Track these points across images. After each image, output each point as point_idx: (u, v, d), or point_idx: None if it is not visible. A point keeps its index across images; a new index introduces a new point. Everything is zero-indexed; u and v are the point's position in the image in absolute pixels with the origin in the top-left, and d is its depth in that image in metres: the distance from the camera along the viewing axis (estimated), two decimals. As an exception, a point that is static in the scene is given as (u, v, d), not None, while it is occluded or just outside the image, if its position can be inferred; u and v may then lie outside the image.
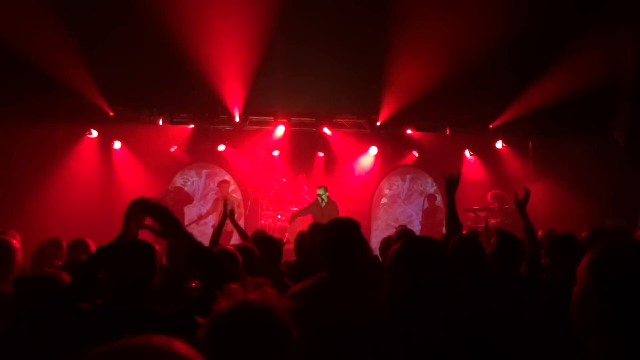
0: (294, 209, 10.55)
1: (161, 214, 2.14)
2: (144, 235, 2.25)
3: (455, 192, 3.24)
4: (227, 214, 4.72)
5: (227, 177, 10.92)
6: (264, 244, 3.61)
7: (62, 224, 7.66)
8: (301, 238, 4.40)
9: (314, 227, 4.30)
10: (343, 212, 10.90)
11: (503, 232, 3.34)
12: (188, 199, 10.39)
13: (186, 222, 9.76)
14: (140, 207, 2.20)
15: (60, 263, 4.58)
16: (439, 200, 11.61)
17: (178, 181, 11.00)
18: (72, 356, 0.81)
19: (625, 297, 1.17)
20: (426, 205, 11.09)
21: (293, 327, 1.32)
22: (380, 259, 4.30)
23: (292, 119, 10.78)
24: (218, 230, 4.45)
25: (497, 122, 10.82)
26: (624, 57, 9.51)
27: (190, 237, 2.17)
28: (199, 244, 2.17)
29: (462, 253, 3.05)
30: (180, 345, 0.84)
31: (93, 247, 4.22)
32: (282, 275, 3.56)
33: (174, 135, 10.53)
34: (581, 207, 9.27)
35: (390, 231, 7.94)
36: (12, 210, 7.94)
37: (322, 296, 2.25)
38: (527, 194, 3.66)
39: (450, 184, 3.26)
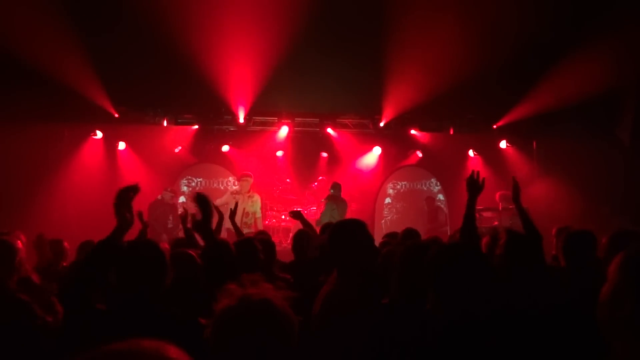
0: (298, 209, 10.53)
1: (206, 207, 2.34)
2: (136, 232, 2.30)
3: (477, 196, 3.06)
4: (222, 216, 4.76)
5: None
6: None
7: (67, 225, 7.71)
8: (299, 237, 4.41)
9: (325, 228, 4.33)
10: (347, 212, 10.95)
11: (512, 231, 3.24)
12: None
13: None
14: (194, 198, 2.39)
15: (65, 264, 4.63)
16: (439, 200, 11.62)
17: (182, 182, 11.04)
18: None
19: None
20: (426, 208, 11.08)
21: (294, 315, 1.37)
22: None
23: (295, 119, 10.80)
24: (215, 232, 4.46)
25: (501, 122, 10.81)
26: (630, 57, 9.48)
27: (213, 236, 2.36)
28: (218, 243, 2.34)
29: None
30: (172, 350, 0.81)
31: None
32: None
33: (179, 136, 10.57)
34: (586, 207, 9.24)
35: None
36: (17, 211, 7.98)
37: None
38: (516, 185, 3.60)
39: (471, 186, 3.08)
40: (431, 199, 11.22)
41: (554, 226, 4.73)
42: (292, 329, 1.35)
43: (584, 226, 3.43)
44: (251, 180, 9.09)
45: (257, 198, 9.06)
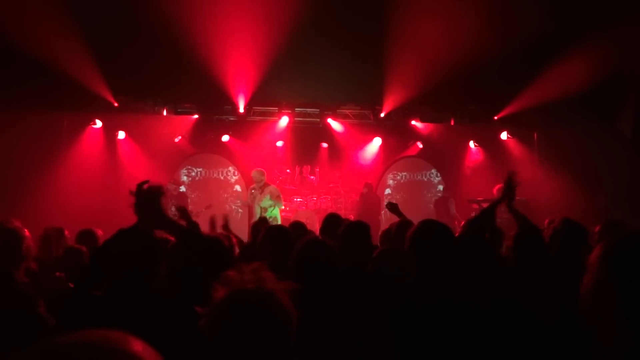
0: (298, 199, 10.59)
1: (147, 203, 2.20)
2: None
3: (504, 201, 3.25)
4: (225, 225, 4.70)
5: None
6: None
7: (66, 214, 7.70)
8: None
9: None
10: (345, 204, 10.94)
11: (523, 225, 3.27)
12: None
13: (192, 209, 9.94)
14: (134, 192, 2.23)
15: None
16: (451, 202, 11.55)
17: (182, 172, 11.04)
18: (24, 350, 0.74)
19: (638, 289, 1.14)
20: (433, 210, 10.52)
21: (292, 308, 1.30)
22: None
23: (296, 109, 10.77)
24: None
25: (502, 114, 10.77)
26: (631, 48, 9.42)
27: (175, 225, 2.24)
28: (188, 230, 2.21)
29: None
30: (136, 344, 0.77)
31: (102, 237, 4.25)
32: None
33: (178, 125, 10.54)
34: (587, 199, 9.24)
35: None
36: (16, 200, 7.98)
37: None
38: (508, 183, 3.58)
39: (507, 190, 3.28)
40: (443, 200, 10.38)
41: (551, 217, 4.71)
42: (288, 322, 1.29)
43: (584, 218, 3.43)
44: (261, 174, 8.27)
45: (267, 191, 8.13)
